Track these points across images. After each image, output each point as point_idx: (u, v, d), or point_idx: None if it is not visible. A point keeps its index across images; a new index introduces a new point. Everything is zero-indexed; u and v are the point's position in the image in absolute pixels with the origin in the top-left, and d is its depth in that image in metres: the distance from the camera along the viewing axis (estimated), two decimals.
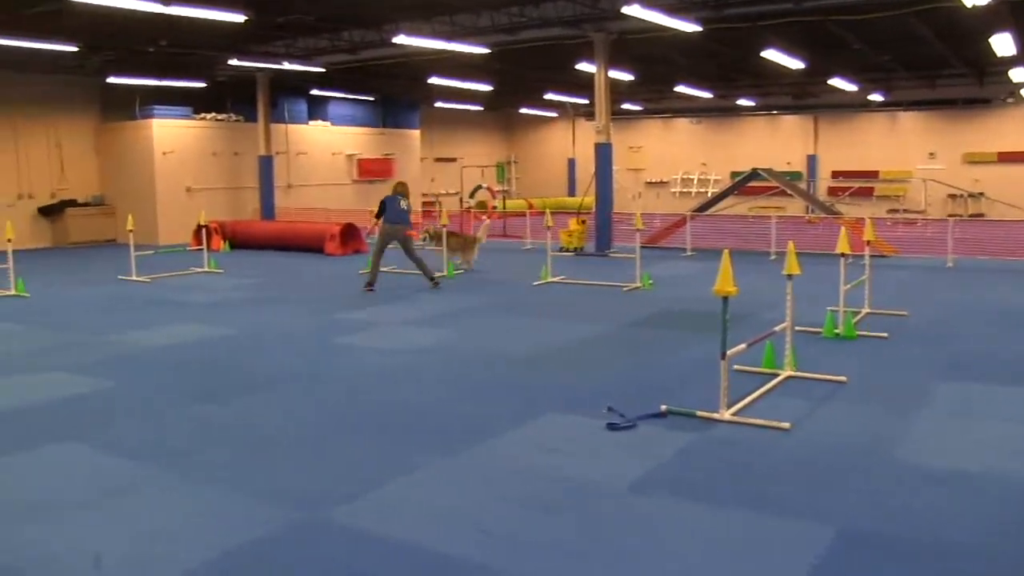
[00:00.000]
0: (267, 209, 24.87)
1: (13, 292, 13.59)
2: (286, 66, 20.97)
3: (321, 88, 27.04)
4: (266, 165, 24.84)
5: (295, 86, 26.27)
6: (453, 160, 35.71)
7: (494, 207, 31.77)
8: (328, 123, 28.44)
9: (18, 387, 7.78)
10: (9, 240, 13.91)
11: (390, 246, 13.69)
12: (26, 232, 22.21)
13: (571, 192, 38.92)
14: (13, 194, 22.46)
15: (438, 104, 33.18)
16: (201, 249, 17.06)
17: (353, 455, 5.85)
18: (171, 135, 23.35)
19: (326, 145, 28.21)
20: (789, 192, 21.92)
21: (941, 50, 20.81)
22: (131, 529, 4.68)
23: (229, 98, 25.30)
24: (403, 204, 13.69)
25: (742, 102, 32.24)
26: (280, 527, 4.67)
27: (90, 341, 9.86)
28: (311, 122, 27.86)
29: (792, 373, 7.73)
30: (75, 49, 17.62)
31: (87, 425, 6.57)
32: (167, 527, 4.69)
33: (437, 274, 14.33)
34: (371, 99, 30.08)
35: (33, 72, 21.89)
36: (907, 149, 32.27)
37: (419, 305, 12.19)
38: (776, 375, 7.69)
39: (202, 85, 23.82)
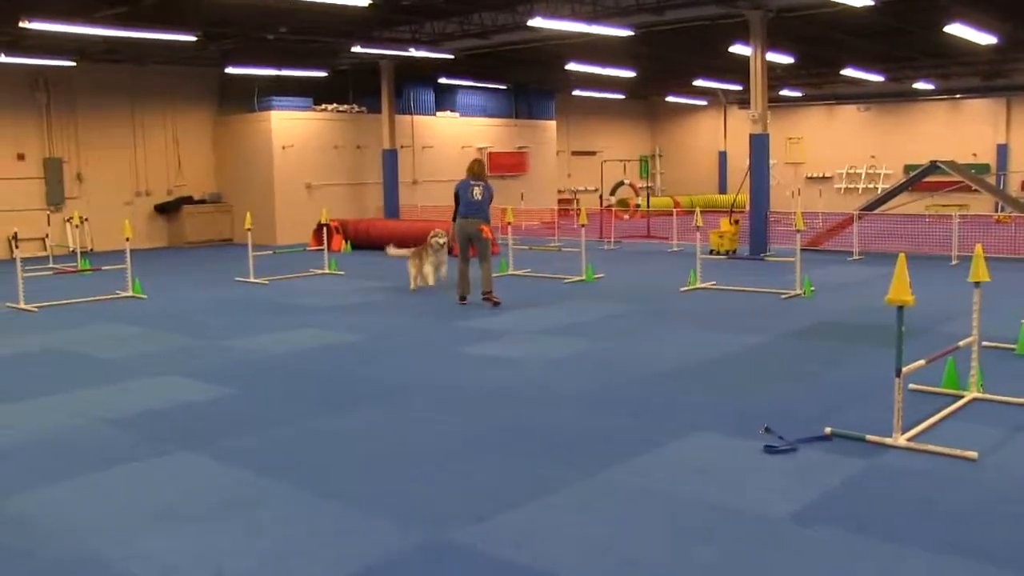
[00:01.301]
0: (391, 207, 25.46)
1: (130, 293, 14.36)
2: (412, 53, 21.45)
3: (449, 76, 27.51)
4: (390, 159, 25.43)
5: (422, 74, 26.83)
6: (592, 153, 35.77)
7: (637, 205, 31.68)
8: (457, 114, 28.90)
9: (138, 391, 8.23)
10: (127, 239, 14.69)
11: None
12: (142, 231, 23.46)
13: (722, 189, 38.43)
14: (131, 191, 23.74)
15: (576, 92, 33.31)
16: (321, 249, 17.62)
17: (483, 473, 5.93)
18: (290, 128, 24.20)
19: (455, 138, 28.67)
20: (974, 187, 21.04)
21: None
22: (254, 545, 4.88)
23: (351, 88, 26.07)
24: (475, 192, 12.73)
25: (919, 85, 31.13)
26: (409, 548, 4.78)
27: (208, 346, 10.32)
28: (438, 113, 28.37)
29: (978, 395, 7.42)
30: (193, 38, 18.47)
31: (209, 433, 6.88)
32: (292, 544, 4.87)
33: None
34: (503, 88, 30.43)
35: (150, 63, 23.06)
36: None
37: (554, 312, 12.26)
38: (959, 396, 7.40)
39: (323, 74, 24.62)
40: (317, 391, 8.20)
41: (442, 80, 27.90)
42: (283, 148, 23.99)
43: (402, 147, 26.30)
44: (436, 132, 28.16)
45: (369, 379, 8.60)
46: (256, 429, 7.00)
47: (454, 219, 12.94)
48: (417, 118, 27.45)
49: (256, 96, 24.16)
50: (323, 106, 25.16)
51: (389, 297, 14.00)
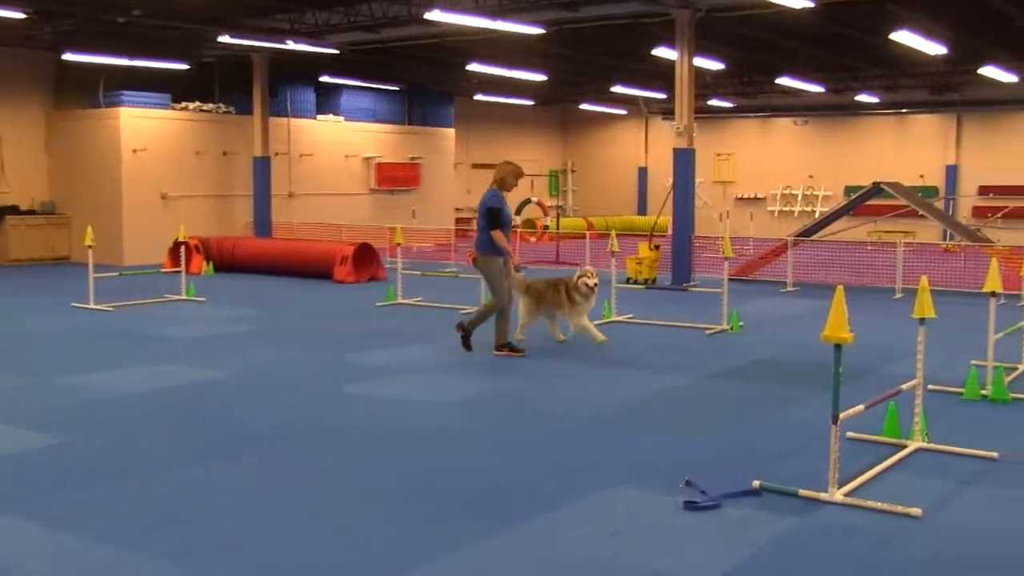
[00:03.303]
0: (262, 223, 25.20)
1: None
2: (290, 45, 21.32)
3: (333, 74, 27.41)
4: (262, 168, 25.20)
5: (301, 71, 26.68)
6: (495, 167, 35.93)
7: (545, 226, 31.93)
8: (341, 118, 28.78)
9: None
10: None
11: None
12: None
13: (641, 210, 38.98)
14: None
15: (478, 97, 33.48)
16: (178, 272, 17.32)
17: (370, 533, 5.88)
18: (143, 128, 23.78)
19: (338, 145, 28.54)
20: (921, 213, 21.76)
21: None
22: None
23: (218, 84, 25.77)
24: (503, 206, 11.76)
25: (862, 98, 32.13)
26: None
27: (39, 385, 10.02)
28: (320, 116, 28.23)
29: (923, 444, 7.63)
30: (22, 15, 17.96)
31: (35, 491, 6.66)
32: None
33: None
34: (395, 89, 30.43)
35: None
36: None
37: (452, 347, 12.24)
38: (902, 446, 7.60)
39: (184, 67, 24.28)
40: (176, 438, 8.03)
41: (324, 79, 27.77)
42: (134, 152, 23.53)
43: (276, 154, 26.05)
44: (317, 138, 27.98)
45: (241, 423, 8.47)
46: (97, 484, 6.81)
47: (489, 248, 11.64)
48: (295, 121, 27.26)
49: (101, 89, 23.65)
50: (183, 104, 24.80)
51: (263, 327, 13.82)
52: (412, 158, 30.73)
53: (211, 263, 21.27)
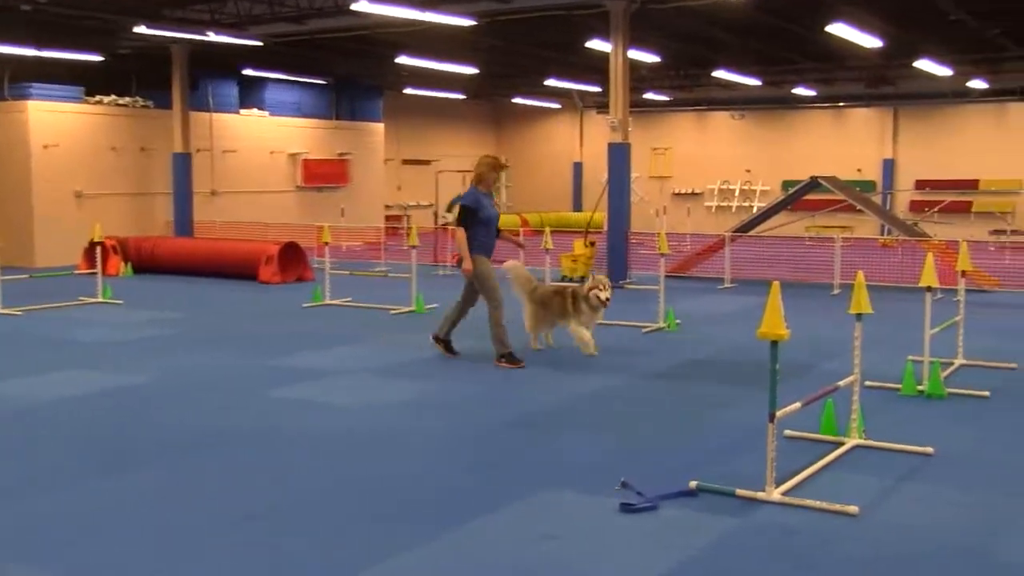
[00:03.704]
0: (183, 222, 24.94)
1: None
2: (211, 37, 21.08)
3: (257, 67, 27.20)
4: (182, 165, 24.93)
5: (223, 64, 26.44)
6: (427, 163, 35.85)
7: None
8: (265, 112, 28.59)
9: None
10: None
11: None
12: None
13: (577, 205, 39.14)
14: None
15: (408, 91, 33.39)
16: (94, 273, 17.07)
17: (294, 544, 5.83)
18: (55, 123, 23.42)
19: (262, 141, 28.34)
20: (858, 207, 22.09)
21: None
22: None
23: (135, 77, 25.47)
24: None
25: (799, 91, 32.54)
26: None
27: None
28: (243, 111, 28.02)
29: (860, 441, 7.74)
30: None
31: None
32: None
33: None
34: (322, 83, 30.27)
35: None
36: (1019, 151, 32.57)
37: (380, 350, 12.20)
38: (839, 443, 7.71)
39: (98, 59, 23.91)
40: (88, 448, 7.90)
41: (248, 72, 27.55)
42: (44, 147, 23.14)
43: (198, 151, 25.78)
44: (240, 133, 27.75)
45: (158, 432, 8.34)
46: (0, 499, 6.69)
47: (474, 248, 11.11)
48: (217, 116, 27.01)
49: (6, 80, 23.25)
50: (98, 98, 24.46)
51: (184, 330, 13.66)
52: (340, 154, 30.58)
53: (129, 264, 20.98)
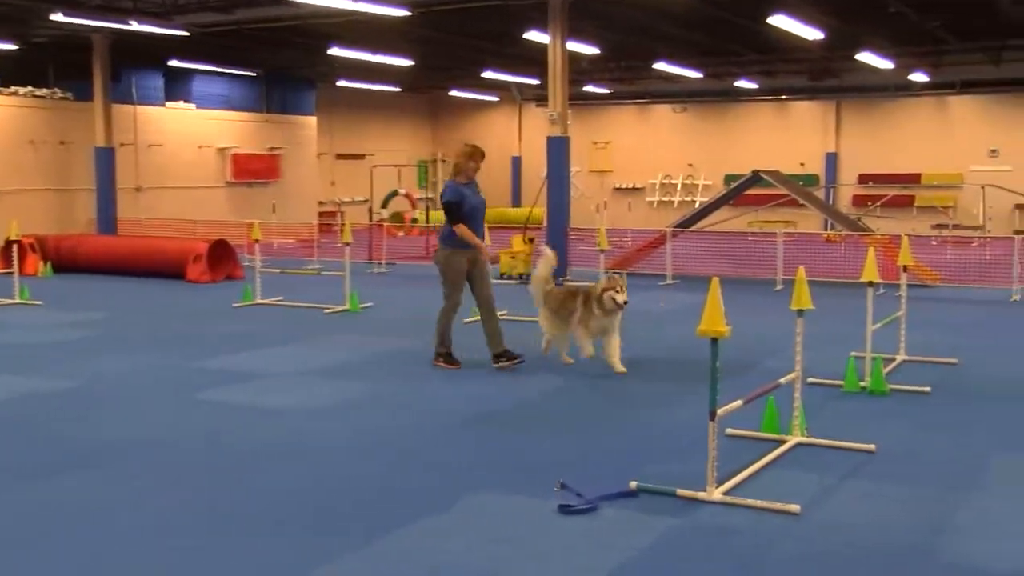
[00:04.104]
0: (106, 220, 24.67)
1: None
2: (134, 26, 20.83)
3: (183, 58, 26.95)
4: (105, 160, 24.65)
5: (147, 54, 26.15)
6: (361, 157, 35.75)
7: (413, 220, 31.88)
8: (192, 105, 28.35)
9: None
10: None
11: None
12: None
13: (515, 201, 39.17)
14: None
15: (342, 83, 33.25)
16: (10, 273, 16.84)
17: (226, 552, 5.79)
18: None
19: (190, 135, 28.11)
20: (801, 202, 22.35)
21: (1010, 12, 21.24)
22: None
23: (53, 67, 25.10)
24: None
25: (741, 84, 32.84)
26: None
27: None
28: (169, 104, 27.78)
29: (802, 439, 7.84)
30: None
31: None
32: None
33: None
34: (252, 75, 30.05)
35: None
36: (960, 145, 33.09)
37: (313, 350, 12.16)
38: (781, 441, 7.80)
39: (11, 47, 23.55)
40: (3, 456, 7.78)
41: (174, 63, 27.30)
42: None
43: (121, 145, 25.53)
44: (166, 127, 27.51)
45: (79, 437, 8.26)
46: None
47: (449, 241, 10.92)
48: (141, 109, 26.76)
49: None
50: (13, 89, 24.15)
51: (107, 332, 13.51)
52: (271, 148, 30.41)
53: (49, 263, 20.68)
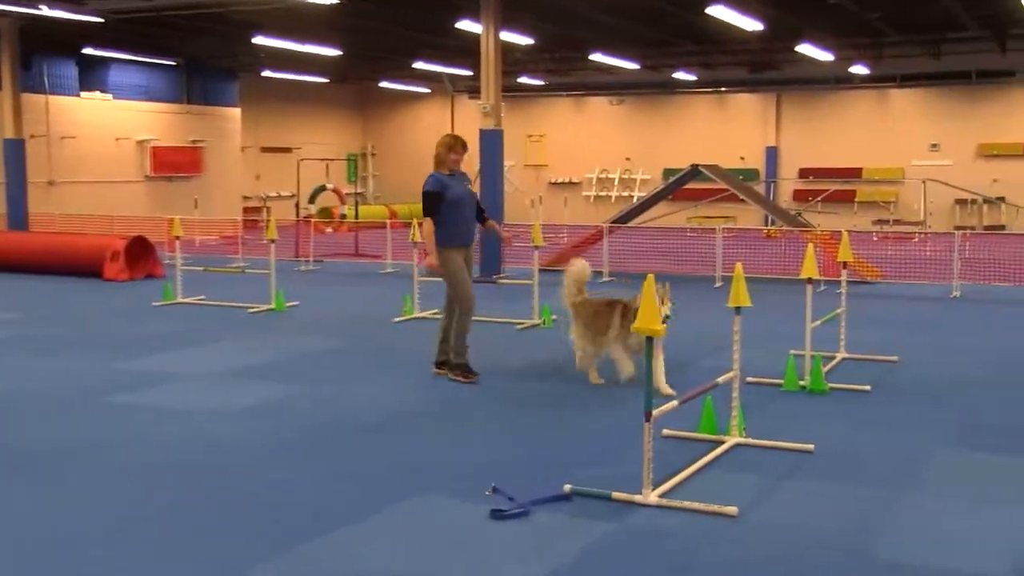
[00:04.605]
0: (16, 215, 24.40)
1: None
2: (44, 12, 20.53)
3: (99, 46, 26.64)
4: (15, 152, 24.37)
5: (60, 42, 25.84)
6: (287, 150, 35.56)
7: (342, 216, 31.73)
8: (109, 96, 28.02)
9: None
10: None
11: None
12: None
13: None
14: None
15: (266, 74, 33.01)
16: None
17: (134, 564, 5.72)
18: None
19: (106, 127, 27.79)
20: (741, 197, 22.53)
21: (950, 5, 21.63)
22: None
23: None
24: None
25: (680, 76, 33.02)
26: None
27: None
28: (84, 94, 27.44)
29: (740, 440, 7.89)
30: None
31: None
32: None
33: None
34: (172, 64, 29.75)
35: None
36: (900, 139, 33.62)
37: (235, 351, 12.07)
38: (719, 442, 7.85)
39: None
40: None
41: (88, 51, 26.95)
42: None
43: (32, 136, 25.21)
44: (80, 118, 27.16)
45: None
46: None
47: (442, 240, 10.24)
48: (54, 99, 26.41)
49: None
50: None
51: (17, 333, 13.30)
52: (193, 141, 30.13)
53: None
